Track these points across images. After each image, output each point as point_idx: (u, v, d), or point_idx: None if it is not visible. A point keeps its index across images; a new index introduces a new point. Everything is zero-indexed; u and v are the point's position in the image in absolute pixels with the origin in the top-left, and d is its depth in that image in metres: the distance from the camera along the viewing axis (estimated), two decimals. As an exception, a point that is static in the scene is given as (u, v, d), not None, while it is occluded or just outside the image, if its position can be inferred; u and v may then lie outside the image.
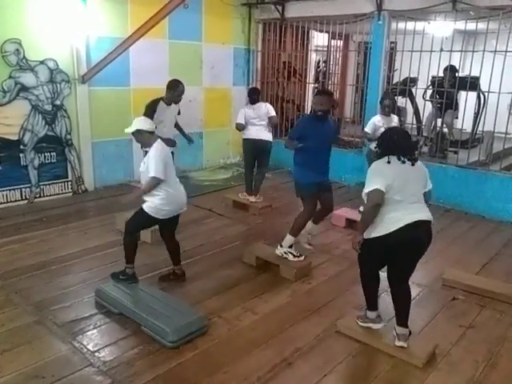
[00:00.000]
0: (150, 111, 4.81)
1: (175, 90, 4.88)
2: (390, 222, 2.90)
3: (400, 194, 2.91)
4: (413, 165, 2.97)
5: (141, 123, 3.57)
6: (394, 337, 3.09)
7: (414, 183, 2.97)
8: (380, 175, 2.91)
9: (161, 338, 3.07)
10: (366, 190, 2.92)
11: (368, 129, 5.49)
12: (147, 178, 3.51)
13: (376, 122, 5.45)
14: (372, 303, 3.23)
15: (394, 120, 5.44)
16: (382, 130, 5.32)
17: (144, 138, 3.58)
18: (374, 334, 3.20)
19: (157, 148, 3.54)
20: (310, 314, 3.56)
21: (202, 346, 3.10)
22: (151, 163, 3.47)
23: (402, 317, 3.08)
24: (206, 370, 2.89)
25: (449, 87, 6.70)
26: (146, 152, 3.61)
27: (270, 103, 8.33)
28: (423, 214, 2.96)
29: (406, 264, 3.03)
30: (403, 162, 2.94)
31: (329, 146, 4.22)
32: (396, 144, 2.98)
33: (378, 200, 2.88)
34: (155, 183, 3.49)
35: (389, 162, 2.94)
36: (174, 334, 3.05)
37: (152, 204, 3.56)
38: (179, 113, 5.18)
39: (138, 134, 3.56)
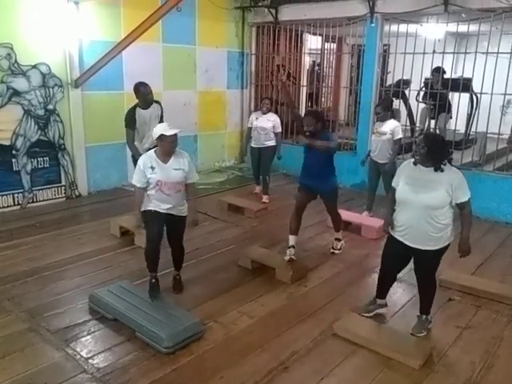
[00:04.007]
0: (131, 121, 4.81)
1: (138, 94, 4.79)
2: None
3: None
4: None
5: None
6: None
7: None
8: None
9: (156, 343, 3.03)
10: (467, 197, 3.02)
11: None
12: (184, 182, 3.54)
13: (374, 128, 5.57)
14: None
15: (385, 126, 5.31)
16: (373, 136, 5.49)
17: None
18: (371, 336, 3.19)
19: (186, 153, 3.62)
20: (307, 316, 3.54)
21: (197, 351, 3.06)
22: (193, 168, 3.59)
23: (387, 293, 3.62)
24: (201, 375, 2.85)
25: (439, 88, 6.72)
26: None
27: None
28: None
29: None
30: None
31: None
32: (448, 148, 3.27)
33: None
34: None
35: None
36: (169, 339, 3.01)
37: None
38: (161, 118, 4.91)
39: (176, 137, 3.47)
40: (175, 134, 3.40)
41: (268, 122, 6.27)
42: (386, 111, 5.34)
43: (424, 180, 3.02)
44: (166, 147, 3.43)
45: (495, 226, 5.78)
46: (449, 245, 3.16)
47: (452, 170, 3.05)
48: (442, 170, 2.99)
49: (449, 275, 4.16)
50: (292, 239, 4.38)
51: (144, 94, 4.75)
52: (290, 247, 4.35)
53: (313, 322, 3.48)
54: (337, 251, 4.74)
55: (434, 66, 6.58)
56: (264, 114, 6.29)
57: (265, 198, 6.40)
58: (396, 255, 3.32)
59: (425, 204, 3.00)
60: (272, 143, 6.31)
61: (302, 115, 4.48)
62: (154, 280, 3.64)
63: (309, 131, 4.14)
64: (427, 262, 3.22)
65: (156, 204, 3.52)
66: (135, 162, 4.75)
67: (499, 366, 3.02)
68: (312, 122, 4.15)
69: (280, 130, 6.39)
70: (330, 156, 4.32)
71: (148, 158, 3.49)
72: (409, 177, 3.11)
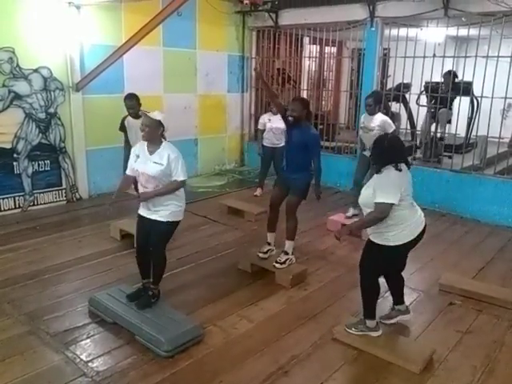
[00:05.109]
0: (120, 125, 4.84)
1: (124, 104, 4.73)
2: (416, 225, 3.08)
3: (409, 197, 3.07)
4: (409, 168, 3.10)
5: (162, 117, 3.30)
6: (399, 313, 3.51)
7: (411, 186, 3.12)
8: (396, 187, 2.95)
9: (155, 347, 3.03)
10: (380, 199, 2.92)
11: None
12: (166, 180, 3.29)
13: (360, 121, 5.46)
14: (374, 312, 3.25)
15: (374, 121, 5.19)
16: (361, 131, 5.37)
17: (158, 134, 3.29)
18: (371, 341, 3.18)
19: (176, 150, 3.34)
20: (306, 320, 3.53)
21: (196, 355, 3.06)
22: (178, 165, 3.27)
23: (402, 297, 3.50)
24: (200, 379, 2.85)
25: (445, 91, 6.73)
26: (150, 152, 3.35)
27: (265, 110, 8.40)
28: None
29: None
30: (408, 168, 3.09)
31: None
32: (401, 151, 3.09)
33: (386, 214, 2.94)
34: (181, 187, 3.35)
35: (400, 170, 3.00)
36: (168, 343, 3.01)
37: (176, 208, 3.37)
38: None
39: (158, 126, 3.26)
40: (149, 118, 3.25)
41: (281, 122, 6.27)
42: (376, 104, 5.25)
43: (371, 180, 3.13)
44: (141, 130, 3.31)
45: (496, 229, 5.77)
46: (398, 246, 3.04)
47: (384, 172, 2.98)
48: (380, 172, 3.01)
49: (449, 279, 4.16)
50: (269, 236, 4.44)
51: (127, 107, 4.71)
52: (266, 243, 4.42)
53: (313, 326, 3.47)
54: (278, 265, 4.19)
55: (435, 69, 6.58)
56: (275, 114, 6.37)
57: None
58: None
59: (360, 201, 3.14)
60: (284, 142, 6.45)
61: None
62: (140, 286, 3.61)
63: (292, 116, 4.05)
64: (365, 252, 3.21)
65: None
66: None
67: (500, 371, 3.01)
68: (299, 107, 4.07)
69: None
70: (308, 151, 4.14)
71: (139, 147, 3.44)
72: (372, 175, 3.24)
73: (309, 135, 4.12)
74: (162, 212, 3.34)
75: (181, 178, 3.30)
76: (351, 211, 5.58)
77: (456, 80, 6.72)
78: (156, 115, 3.30)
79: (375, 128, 5.14)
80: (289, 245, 4.33)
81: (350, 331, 3.24)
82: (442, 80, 6.91)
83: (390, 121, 5.23)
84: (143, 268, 3.57)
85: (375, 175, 3.06)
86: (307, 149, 4.10)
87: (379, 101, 5.38)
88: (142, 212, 3.44)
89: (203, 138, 8.06)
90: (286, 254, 4.31)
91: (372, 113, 5.23)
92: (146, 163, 3.32)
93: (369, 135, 5.20)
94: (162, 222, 3.34)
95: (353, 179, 5.71)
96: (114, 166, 6.73)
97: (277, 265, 4.19)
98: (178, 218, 3.43)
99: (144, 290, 3.57)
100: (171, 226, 3.41)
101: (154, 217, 3.36)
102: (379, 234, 3.06)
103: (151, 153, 3.33)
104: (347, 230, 3.19)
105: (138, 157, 3.40)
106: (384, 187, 2.95)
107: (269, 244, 4.41)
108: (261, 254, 4.32)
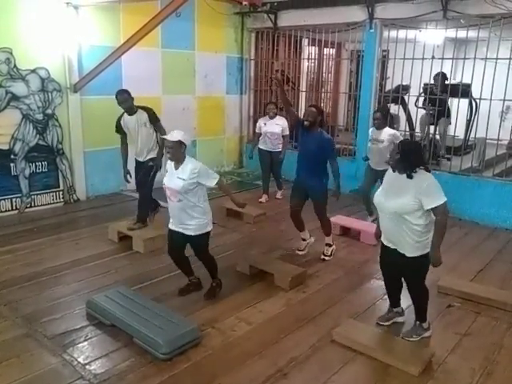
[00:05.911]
0: (116, 126, 4.87)
1: (117, 101, 4.74)
2: None
3: None
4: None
5: (182, 135, 3.43)
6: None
7: None
8: (438, 185, 3.00)
9: (153, 349, 3.01)
10: (436, 203, 2.92)
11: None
12: (188, 195, 3.47)
13: (369, 135, 5.53)
14: (427, 313, 3.36)
15: (383, 134, 5.29)
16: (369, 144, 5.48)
17: (181, 152, 3.46)
18: (370, 343, 3.17)
19: (197, 162, 3.52)
20: (305, 323, 3.52)
21: (195, 357, 3.04)
22: (206, 174, 3.49)
23: (399, 300, 3.57)
24: (199, 382, 2.83)
25: (440, 94, 6.74)
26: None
27: (264, 112, 8.39)
28: None
29: None
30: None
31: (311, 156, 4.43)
32: (423, 154, 3.19)
33: (448, 212, 2.99)
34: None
35: (430, 171, 3.06)
36: (166, 345, 2.99)
37: (202, 222, 3.59)
38: (156, 126, 4.78)
39: (178, 145, 3.42)
40: (169, 140, 3.42)
41: (277, 127, 6.36)
42: (384, 118, 5.36)
43: (397, 186, 3.05)
44: (165, 152, 3.53)
45: (495, 231, 5.77)
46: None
47: (422, 176, 2.98)
48: (412, 177, 2.98)
49: (448, 281, 4.15)
50: (302, 234, 4.79)
51: (119, 102, 4.71)
52: (302, 239, 4.80)
53: (311, 328, 3.46)
54: (327, 258, 4.71)
55: (434, 71, 6.60)
56: (271, 118, 6.40)
57: (279, 194, 6.73)
58: (388, 260, 3.32)
59: (392, 210, 3.04)
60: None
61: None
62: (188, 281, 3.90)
63: (308, 121, 4.34)
64: (411, 268, 3.15)
65: (170, 217, 3.66)
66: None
67: (499, 373, 3.00)
68: (314, 114, 4.37)
69: (287, 133, 6.46)
70: (322, 156, 4.42)
71: (170, 162, 3.62)
72: (386, 182, 3.18)
73: (323, 139, 4.43)
74: (191, 227, 3.58)
75: (211, 185, 3.54)
76: (370, 218, 5.72)
77: (446, 82, 6.74)
78: (175, 136, 3.42)
79: (385, 140, 5.25)
80: (328, 238, 4.78)
81: (412, 339, 3.28)
82: (433, 81, 6.94)
83: (398, 134, 5.38)
84: (182, 269, 3.87)
85: (409, 180, 2.98)
86: (322, 153, 4.39)
87: (386, 114, 5.50)
88: (172, 226, 3.67)
89: (202, 139, 8.05)
90: (330, 246, 4.76)
91: (380, 127, 5.34)
92: (171, 178, 3.52)
93: (377, 147, 5.34)
94: (192, 235, 3.60)
95: (359, 189, 5.88)
96: (112, 168, 6.74)
97: (326, 257, 4.70)
98: (206, 229, 3.65)
99: (191, 284, 3.88)
100: (203, 236, 3.66)
101: (187, 232, 3.60)
102: (421, 243, 3.04)
103: (176, 167, 3.52)
104: (439, 254, 3.02)
105: (167, 171, 3.59)
106: (432, 190, 2.95)
107: (304, 240, 4.78)
108: (300, 253, 4.74)
